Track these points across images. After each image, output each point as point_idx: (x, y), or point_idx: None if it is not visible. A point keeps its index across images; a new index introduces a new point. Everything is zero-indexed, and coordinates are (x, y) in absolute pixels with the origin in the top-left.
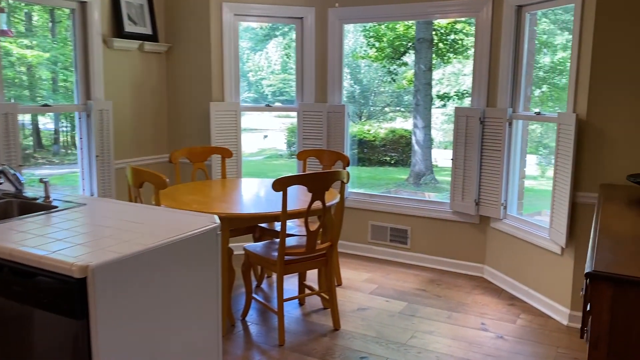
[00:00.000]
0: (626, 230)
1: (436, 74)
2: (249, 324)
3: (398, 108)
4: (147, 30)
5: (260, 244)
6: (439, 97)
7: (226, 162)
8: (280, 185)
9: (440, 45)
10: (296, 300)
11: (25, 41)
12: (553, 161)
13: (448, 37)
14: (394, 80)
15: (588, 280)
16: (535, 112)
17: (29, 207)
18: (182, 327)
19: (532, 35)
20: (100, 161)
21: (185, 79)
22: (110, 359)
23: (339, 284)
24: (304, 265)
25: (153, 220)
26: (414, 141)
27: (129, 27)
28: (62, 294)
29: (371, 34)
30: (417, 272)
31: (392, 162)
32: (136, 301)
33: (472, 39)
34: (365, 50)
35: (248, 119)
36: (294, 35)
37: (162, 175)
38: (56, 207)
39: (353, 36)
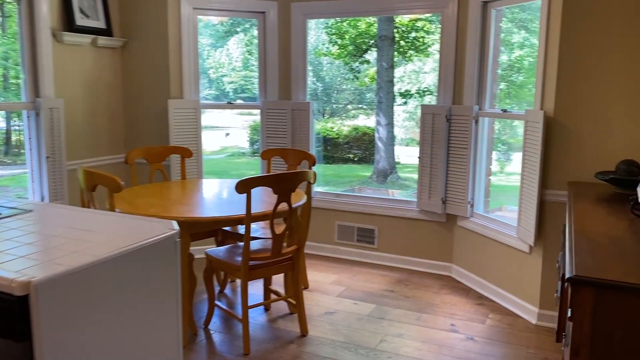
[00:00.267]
0: (601, 230)
1: (398, 72)
2: (212, 332)
3: (361, 105)
4: (100, 24)
5: (223, 248)
6: (400, 94)
7: (186, 162)
8: (244, 187)
9: (402, 42)
10: (262, 306)
11: None
12: (512, 157)
13: (409, 35)
14: (357, 78)
15: (568, 285)
16: (501, 110)
17: None
18: (139, 342)
19: (497, 32)
20: (51, 162)
21: (142, 75)
22: None
23: (306, 287)
24: (269, 270)
25: (106, 227)
26: (377, 138)
27: (80, 21)
28: (1, 313)
29: (333, 31)
30: (384, 272)
31: (356, 159)
32: (86, 318)
33: (433, 37)
34: (327, 47)
35: (209, 117)
36: (255, 32)
37: (116, 178)
38: None
39: (315, 33)
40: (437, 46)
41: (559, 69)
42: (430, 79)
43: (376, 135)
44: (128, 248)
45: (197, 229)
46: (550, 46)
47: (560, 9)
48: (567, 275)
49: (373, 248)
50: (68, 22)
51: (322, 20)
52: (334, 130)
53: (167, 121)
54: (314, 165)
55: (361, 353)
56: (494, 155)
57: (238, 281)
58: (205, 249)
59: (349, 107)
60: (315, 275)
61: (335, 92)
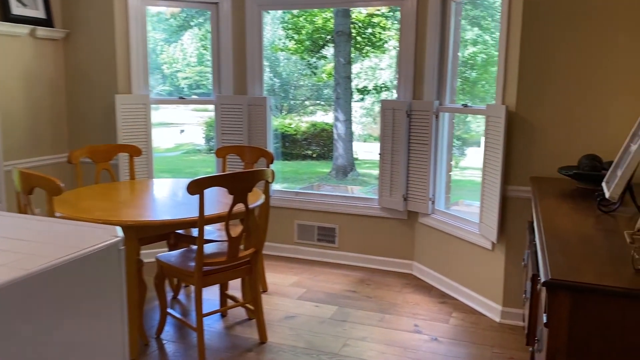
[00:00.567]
0: (570, 228)
1: (355, 68)
2: (164, 342)
3: (318, 101)
4: (39, 13)
5: (175, 252)
6: (358, 90)
7: (135, 161)
8: (196, 187)
9: (359, 38)
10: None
11: None
12: (466, 152)
13: (366, 31)
14: (314, 74)
15: (541, 288)
16: (462, 105)
17: None
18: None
19: (457, 25)
20: None
21: (87, 69)
22: None
23: (265, 290)
24: (225, 276)
25: (40, 236)
26: (335, 134)
27: (17, 10)
28: None
29: (290, 25)
30: (346, 272)
31: (315, 155)
32: (14, 338)
33: (389, 33)
34: (284, 43)
35: (163, 113)
36: (209, 26)
37: (55, 180)
38: None
39: (271, 28)
40: (393, 42)
41: (521, 63)
42: (386, 75)
43: (334, 131)
44: (63, 260)
45: (146, 233)
46: (511, 40)
47: (522, 3)
48: (542, 279)
49: (334, 247)
50: (3, 11)
51: (278, 15)
52: (292, 126)
53: (115, 118)
54: (271, 163)
55: (323, 359)
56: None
57: (193, 286)
58: (157, 254)
59: (307, 103)
60: (275, 277)
61: (293, 88)
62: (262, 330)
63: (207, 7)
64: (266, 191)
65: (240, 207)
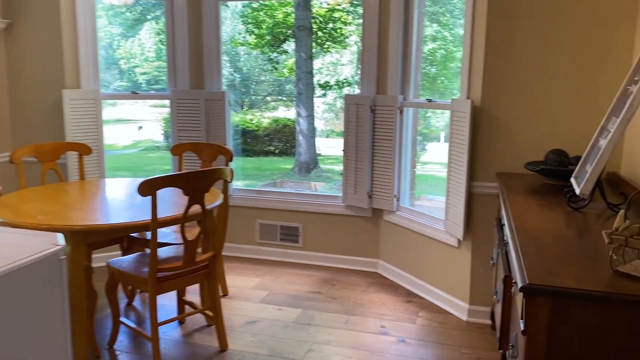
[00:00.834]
0: (542, 226)
1: (317, 63)
2: (117, 353)
3: (280, 97)
4: None
5: (128, 257)
6: (320, 86)
7: (85, 160)
8: (148, 188)
9: (320, 33)
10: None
11: None
12: (427, 147)
13: (327, 26)
14: (275, 69)
15: (517, 291)
16: (426, 100)
17: None
18: None
19: (420, 18)
20: None
21: (32, 62)
22: None
23: (225, 294)
24: (182, 282)
25: None
26: (297, 130)
27: None
28: None
29: (249, 20)
30: (310, 272)
31: (277, 151)
32: None
33: (351, 28)
34: (244, 37)
35: (121, 110)
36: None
37: None
38: None
39: (231, 22)
40: (354, 37)
41: (486, 58)
42: (348, 71)
43: (297, 127)
44: None
45: (95, 237)
46: (476, 35)
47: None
48: (519, 284)
49: (297, 247)
50: None
51: (238, 9)
52: (253, 122)
53: (62, 114)
54: (231, 160)
55: None
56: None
57: None
58: (111, 257)
59: (269, 98)
60: (236, 279)
61: (254, 83)
62: (222, 337)
63: None
64: (225, 191)
65: (197, 208)
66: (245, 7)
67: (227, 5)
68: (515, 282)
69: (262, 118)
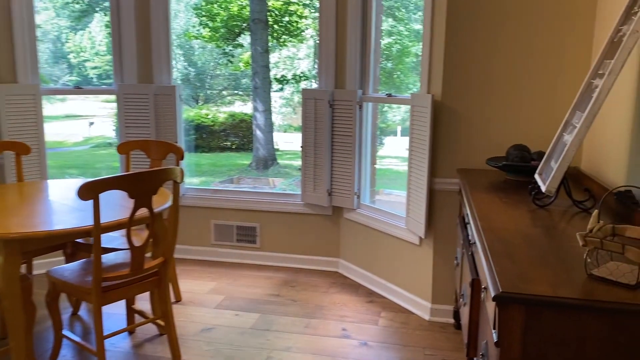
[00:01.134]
0: (509, 226)
1: (273, 57)
2: None
3: (236, 91)
4: None
5: (70, 266)
6: (277, 80)
7: (23, 160)
8: (88, 191)
9: (276, 27)
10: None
11: None
12: (384, 141)
13: (283, 19)
14: (231, 62)
15: (486, 295)
16: (386, 94)
17: None
18: None
19: (379, 10)
20: None
21: None
22: None
23: (178, 300)
24: (129, 291)
25: None
26: (254, 125)
27: None
28: None
29: (203, 12)
30: (269, 273)
31: (234, 147)
32: None
33: (307, 21)
34: (198, 30)
35: (71, 105)
36: None
37: None
38: None
39: (184, 15)
40: (310, 31)
41: (446, 52)
42: (305, 65)
43: (254, 122)
44: None
45: (33, 245)
46: (435, 29)
47: None
48: (492, 292)
49: (255, 248)
50: None
51: (192, 1)
52: (209, 117)
53: None
54: (182, 159)
55: None
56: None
57: None
58: (57, 264)
59: (224, 92)
60: (190, 284)
61: (209, 77)
62: (175, 347)
63: None
64: (175, 192)
65: (144, 211)
66: (199, 0)
67: None
68: (485, 288)
69: (218, 113)
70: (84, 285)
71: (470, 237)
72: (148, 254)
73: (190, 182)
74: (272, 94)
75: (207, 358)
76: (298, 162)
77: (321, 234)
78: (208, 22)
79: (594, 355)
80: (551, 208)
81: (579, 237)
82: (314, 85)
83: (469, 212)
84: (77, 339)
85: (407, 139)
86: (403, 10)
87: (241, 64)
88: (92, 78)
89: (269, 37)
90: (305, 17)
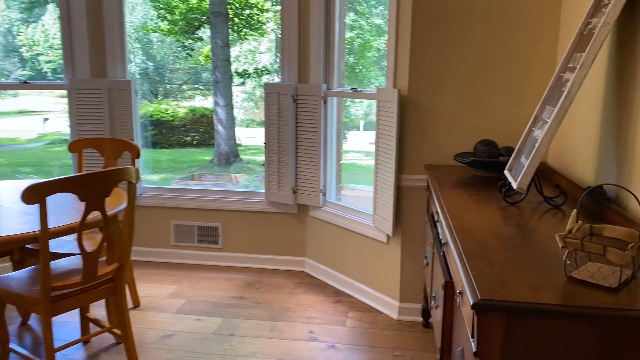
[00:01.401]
0: (481, 225)
1: (234, 51)
2: None
3: (197, 85)
4: None
5: (17, 274)
6: (238, 74)
7: None
8: (33, 195)
9: (236, 20)
10: (79, 337)
11: None
12: (347, 135)
13: (243, 12)
14: (190, 56)
15: (462, 299)
16: (351, 89)
17: None
18: None
19: (343, 2)
20: None
21: None
22: None
23: (136, 306)
24: (82, 299)
25: None
26: (216, 120)
27: None
28: None
29: (162, 5)
30: (231, 275)
31: (194, 142)
32: None
33: (268, 15)
34: (156, 23)
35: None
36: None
37: None
38: None
39: (142, 8)
40: (272, 25)
41: (412, 46)
42: (266, 59)
43: (215, 116)
44: None
45: None
46: (401, 23)
47: None
48: (470, 299)
49: (217, 248)
50: None
51: None
52: (168, 112)
53: None
54: (138, 157)
55: None
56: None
57: None
58: (4, 271)
59: (184, 87)
60: (149, 288)
61: (168, 71)
62: (133, 357)
63: None
64: (130, 193)
65: (97, 214)
66: None
67: None
68: (461, 293)
69: (178, 108)
70: (31, 295)
71: (440, 236)
72: (103, 258)
73: (150, 179)
74: (234, 88)
75: None
76: (261, 158)
77: (286, 233)
78: (166, 15)
79: None
80: (522, 205)
81: (559, 238)
82: (277, 80)
83: (439, 210)
84: (25, 352)
85: (370, 133)
86: (364, 4)
87: (201, 58)
88: (46, 72)
89: (230, 31)
90: (267, 11)
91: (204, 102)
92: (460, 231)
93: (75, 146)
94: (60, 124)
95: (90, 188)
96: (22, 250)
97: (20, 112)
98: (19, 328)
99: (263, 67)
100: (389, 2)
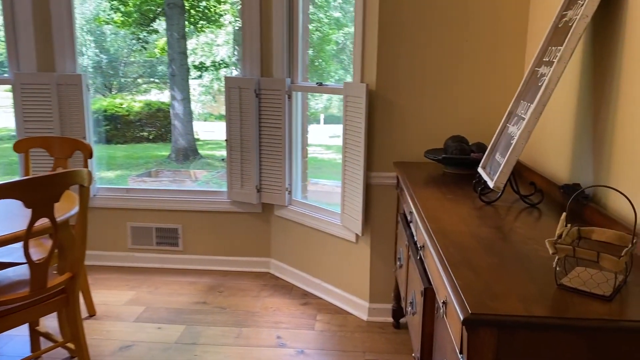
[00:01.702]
0: (459, 227)
1: (190, 44)
2: None
3: (152, 79)
4: None
5: None
6: (195, 67)
7: None
8: None
9: (193, 12)
10: (28, 353)
11: None
12: (308, 129)
13: (200, 4)
14: (145, 49)
15: (445, 309)
16: (317, 83)
17: None
18: None
19: None
20: None
21: None
22: None
23: (92, 315)
24: (30, 314)
25: None
26: (172, 114)
27: None
28: None
29: None
30: (193, 278)
31: (151, 137)
32: None
33: (225, 6)
34: (109, 15)
35: None
36: None
37: None
38: None
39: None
40: (229, 17)
41: (379, 40)
42: (224, 52)
43: (172, 111)
44: None
45: None
46: (368, 15)
47: None
48: (459, 314)
49: (177, 251)
50: None
51: None
52: (123, 106)
53: None
54: (90, 157)
55: None
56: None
57: None
58: None
59: (140, 80)
60: (105, 294)
61: (123, 64)
62: None
63: None
64: (83, 197)
65: (46, 221)
66: None
67: None
68: (445, 303)
69: (134, 102)
70: None
71: (416, 238)
72: (55, 265)
73: (105, 176)
74: (191, 82)
75: None
76: (220, 153)
77: (250, 234)
78: (120, 6)
79: None
80: (497, 204)
81: (549, 244)
82: (235, 73)
83: (414, 210)
84: None
85: (330, 126)
86: None
87: (157, 51)
88: None
89: (186, 23)
90: (224, 2)
91: (160, 96)
92: (440, 234)
93: (22, 146)
94: (8, 119)
95: (36, 194)
96: None
97: None
98: None
99: (221, 60)
100: None
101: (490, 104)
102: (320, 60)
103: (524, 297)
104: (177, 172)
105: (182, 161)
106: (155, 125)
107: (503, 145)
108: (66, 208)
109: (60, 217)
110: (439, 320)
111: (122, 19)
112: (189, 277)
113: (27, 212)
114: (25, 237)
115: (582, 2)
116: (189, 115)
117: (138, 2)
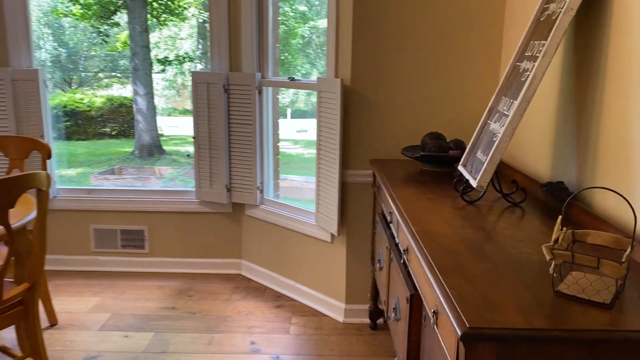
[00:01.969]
0: (444, 229)
1: (153, 37)
2: None
3: (114, 73)
4: None
5: None
6: (158, 61)
7: None
8: None
9: (155, 4)
10: None
11: None
12: (280, 122)
13: None
14: (106, 42)
15: (433, 316)
16: (289, 78)
17: None
18: None
19: None
20: None
21: None
22: None
23: (53, 324)
24: None
25: None
26: (135, 109)
27: None
28: None
29: None
30: (161, 282)
31: (113, 133)
32: None
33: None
34: (67, 7)
35: None
36: None
37: None
38: None
39: None
40: (193, 10)
41: (354, 34)
42: (188, 45)
43: (134, 106)
44: None
45: None
46: (341, 8)
47: None
48: (457, 329)
49: (144, 254)
50: None
51: None
52: (84, 102)
53: None
54: (49, 157)
55: None
56: None
57: None
58: None
59: (101, 75)
60: (67, 302)
61: (83, 58)
62: None
63: None
64: (41, 202)
65: (0, 228)
66: None
67: None
68: (435, 313)
69: (95, 97)
70: None
71: (398, 240)
72: (11, 275)
73: (66, 174)
74: (154, 76)
75: None
76: (186, 148)
77: (220, 234)
78: None
79: None
80: (479, 203)
81: (546, 250)
82: (200, 67)
83: (394, 211)
84: None
85: (297, 121)
86: None
87: (118, 44)
88: None
89: (148, 16)
90: None
91: (123, 90)
92: (425, 237)
93: None
94: None
95: None
96: None
97: None
98: None
99: (185, 53)
100: None
101: (468, 100)
102: (286, 54)
103: (521, 307)
104: (142, 169)
105: (146, 157)
106: (117, 121)
107: (485, 143)
108: (23, 213)
109: (15, 223)
110: (427, 329)
111: (81, 11)
112: (156, 281)
113: None
114: None
115: None
116: (152, 110)
117: None
